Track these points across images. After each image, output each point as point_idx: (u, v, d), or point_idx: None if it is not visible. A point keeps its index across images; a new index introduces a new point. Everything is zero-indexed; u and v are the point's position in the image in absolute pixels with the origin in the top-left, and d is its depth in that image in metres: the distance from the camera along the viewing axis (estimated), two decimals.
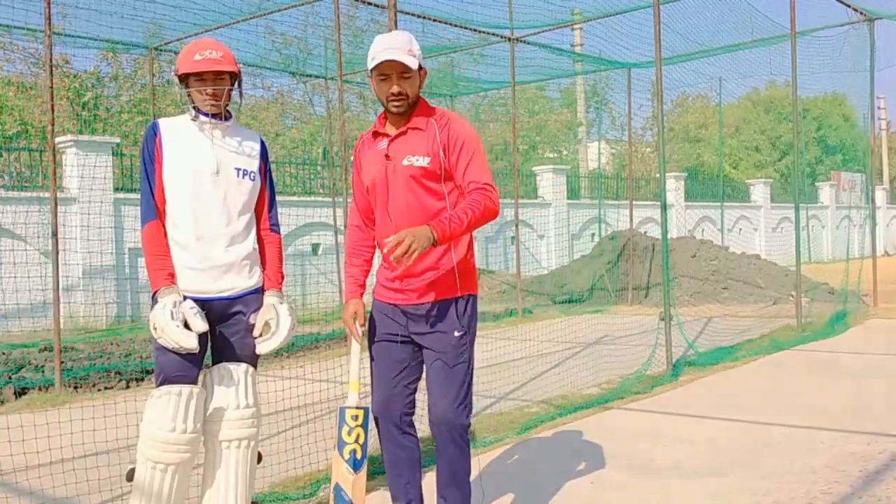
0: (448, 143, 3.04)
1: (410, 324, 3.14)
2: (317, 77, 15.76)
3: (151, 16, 10.17)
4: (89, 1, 9.27)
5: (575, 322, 10.64)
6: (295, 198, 15.50)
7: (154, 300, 3.13)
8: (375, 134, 3.20)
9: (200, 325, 3.07)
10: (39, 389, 6.86)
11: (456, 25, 11.47)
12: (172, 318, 3.03)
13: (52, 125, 6.94)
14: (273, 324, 3.30)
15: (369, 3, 10.58)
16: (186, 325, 3.07)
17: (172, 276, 3.16)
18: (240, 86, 3.32)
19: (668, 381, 6.84)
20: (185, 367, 3.13)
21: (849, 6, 11.42)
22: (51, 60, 7.15)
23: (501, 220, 17.59)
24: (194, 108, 3.23)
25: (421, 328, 3.12)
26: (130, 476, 3.19)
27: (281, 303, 3.35)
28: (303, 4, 10.50)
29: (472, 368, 3.16)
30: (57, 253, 6.87)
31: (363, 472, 3.12)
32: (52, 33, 7.10)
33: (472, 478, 3.25)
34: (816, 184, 32.81)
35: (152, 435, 3.08)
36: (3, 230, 11.34)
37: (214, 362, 3.29)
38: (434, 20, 11.01)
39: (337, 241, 14.21)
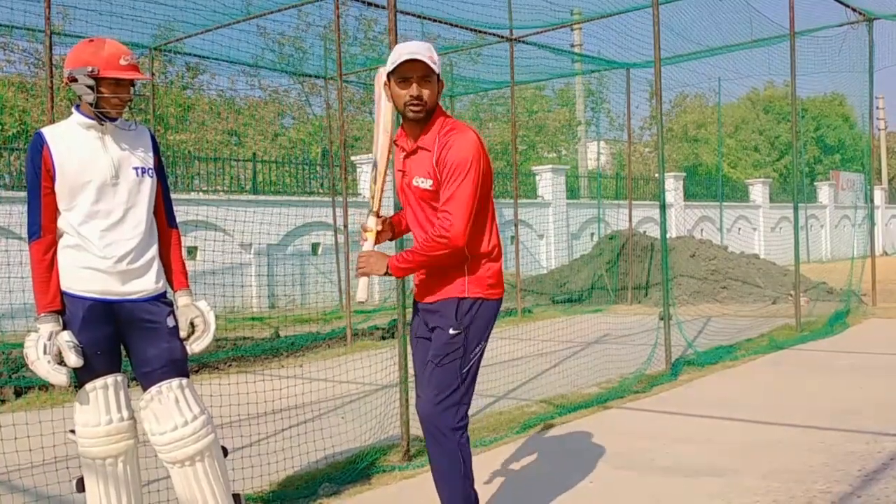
0: (439, 169, 3.05)
1: (427, 319, 3.23)
2: (316, 77, 15.77)
3: (151, 16, 10.17)
4: (89, 1, 9.28)
5: (574, 322, 10.65)
6: (294, 198, 15.51)
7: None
8: (397, 143, 3.24)
9: (74, 359, 2.97)
10: (39, 389, 6.87)
11: (455, 25, 11.48)
12: (45, 353, 2.97)
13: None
14: (199, 322, 3.28)
15: (369, 4, 10.59)
16: (63, 357, 2.99)
17: (55, 300, 3.07)
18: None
19: (668, 380, 6.85)
20: (103, 365, 3.11)
21: (847, 6, 11.43)
22: (51, 60, 7.15)
23: (501, 219, 17.62)
24: (97, 110, 3.09)
25: (430, 323, 3.21)
26: (81, 486, 3.17)
27: (197, 300, 3.34)
28: (302, 4, 10.51)
29: (469, 371, 3.14)
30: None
31: None
32: (51, 33, 7.10)
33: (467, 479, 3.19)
34: (815, 183, 32.85)
35: (92, 434, 3.08)
36: (2, 230, 11.34)
37: (140, 372, 3.20)
38: (433, 20, 11.02)
39: (336, 240, 14.22)
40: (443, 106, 3.21)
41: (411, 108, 3.04)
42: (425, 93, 3.03)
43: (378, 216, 3.28)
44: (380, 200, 3.26)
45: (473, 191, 3.02)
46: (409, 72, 3.01)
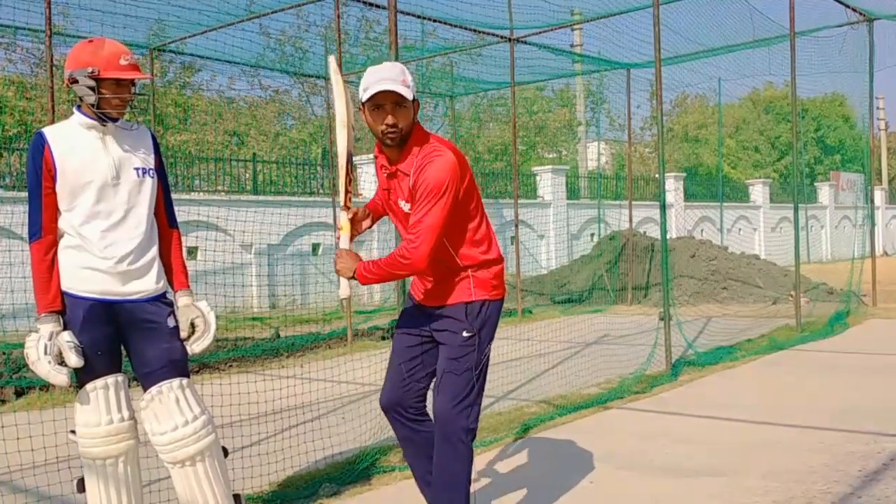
0: (413, 191, 3.05)
1: (431, 322, 3.24)
2: (316, 77, 15.78)
3: (153, 16, 10.18)
4: (90, 1, 9.28)
5: (574, 322, 10.65)
6: (295, 198, 15.52)
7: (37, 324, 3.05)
8: (377, 158, 3.24)
9: (75, 360, 2.97)
10: (40, 389, 6.87)
11: (455, 26, 11.48)
12: (46, 353, 2.97)
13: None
14: (200, 322, 3.28)
15: (370, 4, 10.59)
16: (63, 357, 2.99)
17: (56, 300, 3.07)
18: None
19: (668, 380, 6.85)
20: (103, 365, 3.11)
21: (847, 6, 11.43)
22: (51, 60, 7.16)
23: (501, 220, 17.63)
24: (98, 110, 3.09)
25: (437, 326, 3.23)
26: (81, 486, 3.17)
27: (198, 300, 3.35)
28: (303, 4, 10.51)
29: (482, 372, 3.18)
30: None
31: None
32: (52, 33, 7.10)
33: (471, 483, 3.24)
34: (815, 184, 32.86)
35: (93, 434, 3.08)
36: (2, 230, 11.35)
37: (140, 372, 3.20)
38: (434, 20, 11.03)
39: (336, 240, 14.21)
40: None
41: (388, 135, 3.01)
42: (400, 120, 3.00)
43: (348, 209, 3.27)
44: (346, 195, 3.25)
45: (443, 215, 3.00)
46: (383, 99, 2.97)
